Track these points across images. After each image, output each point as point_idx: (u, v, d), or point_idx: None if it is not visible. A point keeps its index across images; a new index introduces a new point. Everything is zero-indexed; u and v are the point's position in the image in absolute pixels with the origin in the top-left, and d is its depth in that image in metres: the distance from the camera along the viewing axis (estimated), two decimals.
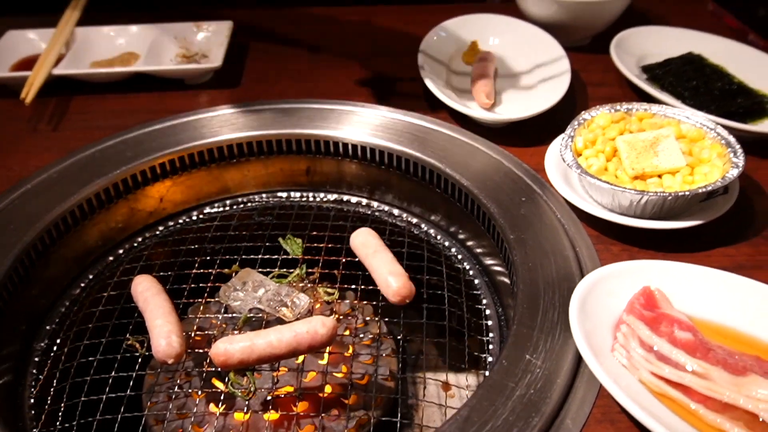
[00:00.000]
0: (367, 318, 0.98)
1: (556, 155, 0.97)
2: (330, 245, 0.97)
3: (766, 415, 0.65)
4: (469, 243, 1.03)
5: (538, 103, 1.06)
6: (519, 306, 0.80)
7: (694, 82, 1.12)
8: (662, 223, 0.86)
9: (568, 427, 0.69)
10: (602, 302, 0.75)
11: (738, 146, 0.89)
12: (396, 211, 1.10)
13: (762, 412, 0.65)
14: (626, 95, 1.16)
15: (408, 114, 1.10)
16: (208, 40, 1.28)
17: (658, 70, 1.17)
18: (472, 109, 1.06)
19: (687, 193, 0.83)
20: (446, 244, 1.04)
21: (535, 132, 1.06)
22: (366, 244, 0.92)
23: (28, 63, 1.24)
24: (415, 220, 1.08)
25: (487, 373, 0.86)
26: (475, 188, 0.96)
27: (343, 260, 0.95)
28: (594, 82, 1.21)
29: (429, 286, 0.92)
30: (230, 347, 0.79)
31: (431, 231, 1.07)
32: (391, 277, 0.86)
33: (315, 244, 0.99)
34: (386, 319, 0.97)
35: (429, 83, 1.10)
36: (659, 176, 0.89)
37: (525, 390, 0.71)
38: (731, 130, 0.94)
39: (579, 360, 0.74)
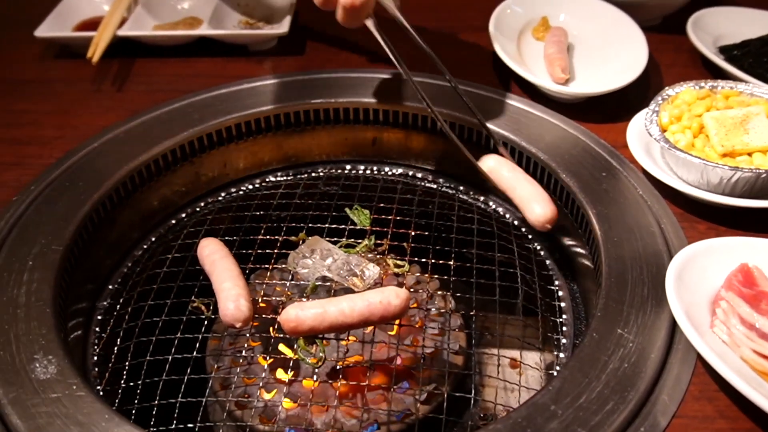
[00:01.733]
0: (437, 292, 0.96)
1: (638, 131, 0.93)
2: (398, 218, 0.95)
3: None
4: None
5: (614, 79, 1.03)
6: (606, 281, 0.77)
7: None
8: (755, 201, 0.83)
9: (665, 403, 0.66)
10: (698, 278, 0.72)
11: None
12: (462, 187, 1.07)
13: None
14: (702, 75, 1.13)
15: (479, 86, 1.08)
16: (273, 6, 1.26)
17: (736, 51, 1.13)
18: (547, 83, 1.03)
19: None
20: (515, 223, 1.01)
21: (610, 109, 1.03)
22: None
23: (90, 25, 1.23)
24: (482, 198, 1.05)
25: (561, 355, 0.83)
26: (553, 162, 0.93)
27: (412, 233, 0.92)
28: (666, 63, 1.17)
29: (500, 263, 0.89)
30: (302, 313, 0.76)
31: (500, 209, 1.04)
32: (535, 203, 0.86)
33: (383, 216, 0.96)
34: (457, 294, 0.95)
35: (502, 55, 1.07)
36: (749, 154, 0.86)
37: (618, 364, 0.68)
38: None
39: (672, 336, 0.71)
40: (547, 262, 0.96)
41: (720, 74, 1.09)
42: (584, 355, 0.69)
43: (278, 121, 1.05)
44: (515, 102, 1.05)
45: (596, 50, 1.15)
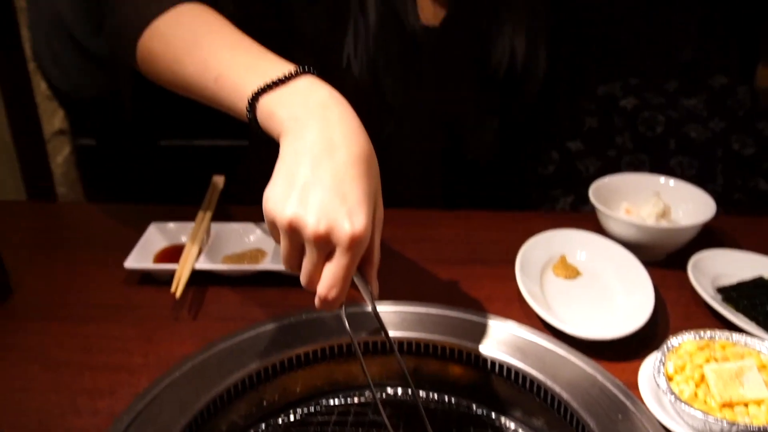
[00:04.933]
0: None
1: (647, 377, 1.08)
2: None
3: None
4: None
5: (627, 323, 1.18)
6: None
7: (767, 307, 1.24)
8: None
9: None
10: None
11: None
12: (494, 414, 1.21)
13: None
14: (704, 313, 1.28)
15: (503, 320, 1.24)
16: None
17: (732, 292, 1.30)
18: (568, 327, 1.19)
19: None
20: None
21: (624, 347, 1.17)
22: None
23: (169, 253, 1.43)
24: (513, 426, 1.19)
25: None
26: (575, 402, 1.07)
27: None
28: (671, 299, 1.34)
29: None
30: None
31: None
32: None
33: None
34: None
35: (527, 296, 1.24)
36: (746, 405, 1.00)
37: None
38: None
39: None
40: None
41: (718, 313, 1.25)
42: None
43: (332, 350, 1.21)
44: (539, 339, 1.20)
45: (609, 290, 1.32)
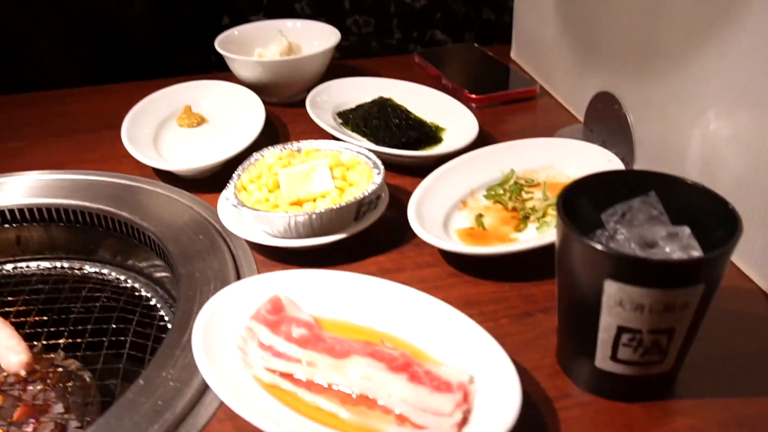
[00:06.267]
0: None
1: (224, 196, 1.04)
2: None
3: (355, 390, 0.72)
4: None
5: (226, 152, 1.14)
6: (172, 333, 0.85)
7: (376, 122, 1.24)
8: (312, 240, 0.95)
9: (191, 426, 0.73)
10: (231, 316, 0.81)
11: (381, 168, 1.01)
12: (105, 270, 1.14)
13: (353, 387, 0.73)
14: (325, 136, 1.26)
15: (111, 175, 1.16)
16: None
17: (350, 114, 1.30)
18: (170, 163, 1.14)
19: (324, 210, 0.92)
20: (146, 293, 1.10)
21: (219, 179, 1.13)
22: None
23: None
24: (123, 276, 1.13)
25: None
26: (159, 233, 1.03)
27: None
28: (297, 132, 1.32)
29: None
30: None
31: (136, 284, 1.11)
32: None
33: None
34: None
35: (130, 148, 1.16)
36: (314, 200, 0.99)
37: (154, 403, 0.75)
38: (396, 157, 1.12)
39: None
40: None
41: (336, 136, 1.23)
42: (125, 401, 0.76)
43: None
44: (142, 184, 1.14)
45: (226, 128, 1.29)
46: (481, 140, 1.19)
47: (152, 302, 1.08)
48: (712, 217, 0.70)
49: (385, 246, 1.00)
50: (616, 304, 0.66)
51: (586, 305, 0.69)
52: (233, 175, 1.03)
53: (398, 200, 1.09)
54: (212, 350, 0.75)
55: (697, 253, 0.68)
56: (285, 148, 1.08)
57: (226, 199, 0.98)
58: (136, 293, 1.10)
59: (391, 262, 0.97)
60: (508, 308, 0.87)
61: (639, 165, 1.14)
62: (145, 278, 1.13)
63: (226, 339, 0.78)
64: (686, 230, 0.69)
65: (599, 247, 0.64)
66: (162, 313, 1.05)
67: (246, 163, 1.05)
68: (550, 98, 1.43)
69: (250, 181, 1.02)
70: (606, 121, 1.22)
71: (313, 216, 0.93)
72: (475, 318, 0.79)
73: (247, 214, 0.95)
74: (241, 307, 0.82)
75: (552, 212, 1.02)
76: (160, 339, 0.99)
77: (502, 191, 1.07)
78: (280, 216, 0.93)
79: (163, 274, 1.08)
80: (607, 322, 0.68)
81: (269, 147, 1.08)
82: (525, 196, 1.06)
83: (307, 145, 1.09)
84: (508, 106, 1.41)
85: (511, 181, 1.08)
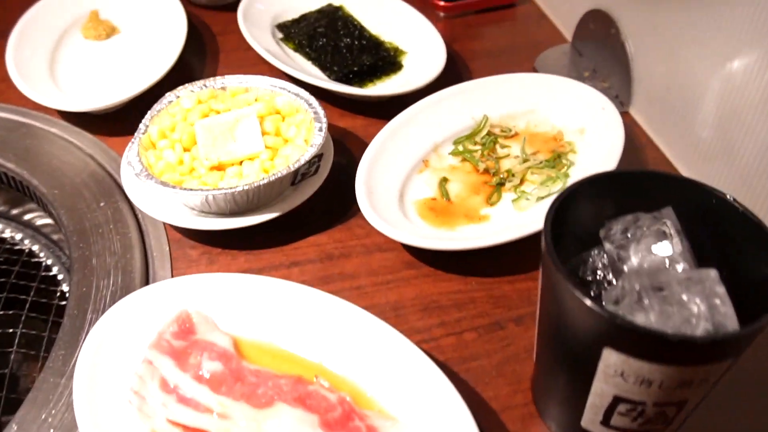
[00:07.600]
0: None
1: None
2: None
3: None
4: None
5: (143, 79, 0.92)
6: (56, 352, 0.68)
7: (323, 40, 1.02)
8: (234, 221, 0.76)
9: None
10: (127, 342, 0.64)
11: (324, 121, 0.80)
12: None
13: None
14: (260, 58, 1.03)
15: None
16: None
17: (293, 27, 1.06)
18: (68, 97, 0.92)
19: (249, 187, 0.73)
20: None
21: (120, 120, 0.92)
22: None
23: None
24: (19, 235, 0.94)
25: None
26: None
27: None
28: (229, 47, 1.09)
29: None
30: None
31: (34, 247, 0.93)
32: None
33: None
34: None
35: (18, 81, 0.92)
36: (240, 164, 0.79)
37: None
38: (346, 94, 0.92)
39: None
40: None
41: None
42: None
43: None
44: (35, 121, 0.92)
45: (140, 41, 1.05)
46: (449, 67, 0.98)
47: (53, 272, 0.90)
48: (749, 246, 0.53)
49: (328, 220, 0.82)
50: (616, 374, 0.51)
51: (576, 368, 0.54)
52: (140, 125, 0.81)
53: (347, 152, 0.90)
54: (98, 400, 0.59)
55: (724, 309, 0.52)
56: (206, 86, 0.86)
57: (128, 164, 0.77)
58: (34, 259, 0.91)
59: (335, 243, 0.79)
60: (475, 316, 0.71)
61: (636, 108, 0.96)
62: (44, 238, 0.94)
63: (119, 378, 0.62)
64: (712, 274, 0.53)
65: (598, 309, 0.48)
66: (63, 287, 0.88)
67: (157, 107, 0.84)
68: (533, 6, 1.20)
69: (161, 136, 0.81)
70: (599, 45, 1.02)
71: (236, 193, 0.74)
72: (435, 331, 0.64)
73: (154, 186, 0.75)
74: (141, 327, 0.65)
75: (532, 179, 0.84)
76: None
77: (472, 145, 0.88)
78: (193, 193, 0.74)
79: (61, 235, 0.90)
80: (602, 389, 0.53)
81: (186, 84, 0.86)
82: (500, 152, 0.88)
83: (233, 81, 0.87)
84: (481, 15, 1.18)
85: (484, 132, 0.89)
